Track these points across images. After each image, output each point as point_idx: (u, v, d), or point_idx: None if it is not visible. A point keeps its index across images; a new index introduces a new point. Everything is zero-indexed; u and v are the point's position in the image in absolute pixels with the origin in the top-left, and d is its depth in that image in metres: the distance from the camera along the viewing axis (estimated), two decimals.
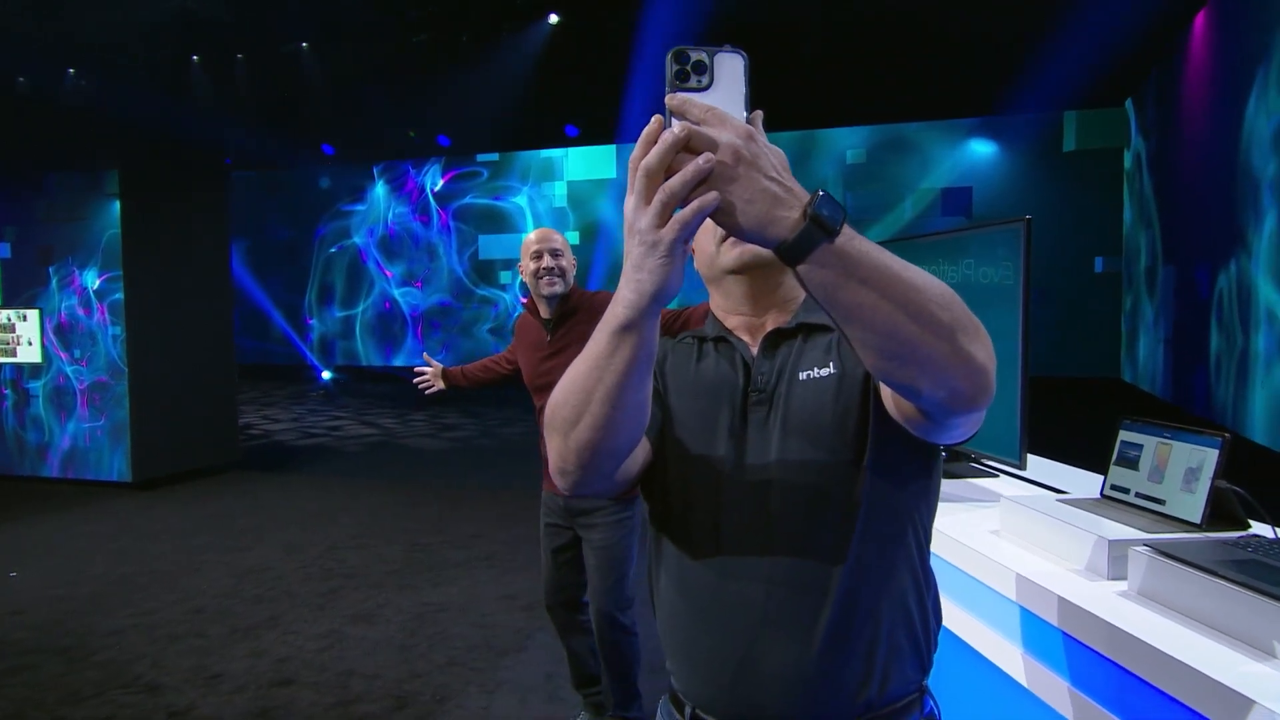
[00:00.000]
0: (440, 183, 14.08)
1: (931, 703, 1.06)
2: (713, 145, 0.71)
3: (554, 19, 9.70)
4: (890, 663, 0.99)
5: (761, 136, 0.73)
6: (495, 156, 13.74)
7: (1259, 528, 1.35)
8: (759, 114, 0.78)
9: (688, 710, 1.06)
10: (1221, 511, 1.33)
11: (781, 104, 11.58)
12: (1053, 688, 1.34)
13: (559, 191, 13.53)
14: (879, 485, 0.98)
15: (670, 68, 0.75)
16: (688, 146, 0.72)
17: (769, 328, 1.07)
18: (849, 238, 0.73)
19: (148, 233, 6.82)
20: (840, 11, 9.14)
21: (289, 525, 5.51)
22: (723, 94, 0.74)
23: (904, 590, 1.01)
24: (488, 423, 10.04)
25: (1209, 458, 1.33)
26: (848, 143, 12.55)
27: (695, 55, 0.75)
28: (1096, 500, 1.55)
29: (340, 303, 14.87)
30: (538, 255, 2.64)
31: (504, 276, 13.75)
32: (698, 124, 0.72)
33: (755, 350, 1.06)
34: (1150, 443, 1.46)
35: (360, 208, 14.59)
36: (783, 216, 0.72)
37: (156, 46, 9.38)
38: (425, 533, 5.24)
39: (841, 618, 0.97)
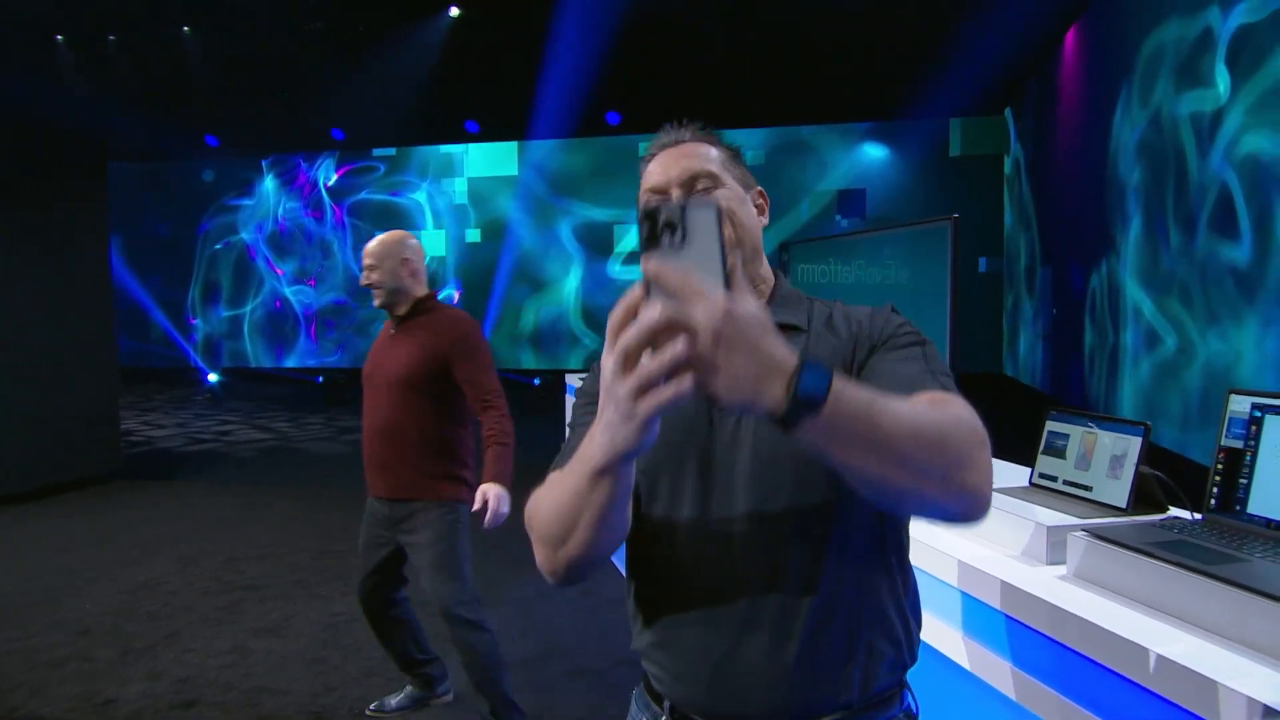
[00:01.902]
0: (334, 177, 13.59)
1: (910, 698, 1.09)
2: (691, 328, 0.70)
3: (455, 11, 9.50)
4: (870, 662, 1.01)
5: (742, 305, 0.71)
6: (392, 151, 13.37)
7: (1175, 510, 1.44)
8: (736, 272, 0.76)
9: (666, 704, 1.05)
10: (1143, 496, 1.42)
11: (684, 104, 11.73)
12: (995, 668, 1.41)
13: (459, 188, 13.28)
14: (853, 494, 0.93)
15: (641, 228, 0.75)
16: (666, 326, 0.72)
17: None
18: (836, 403, 0.73)
19: (13, 225, 6.31)
20: (743, 15, 9.31)
21: (181, 537, 5.21)
22: (698, 249, 0.73)
23: (883, 590, 1.03)
24: None
25: (1133, 445, 1.42)
26: (748, 144, 12.77)
27: (665, 214, 0.74)
28: (1026, 488, 1.62)
29: (227, 302, 14.16)
30: (362, 270, 2.75)
31: None
32: (674, 292, 0.71)
33: None
34: (1076, 432, 1.55)
35: (248, 202, 13.93)
36: (767, 393, 0.72)
37: (16, 23, 8.69)
38: (332, 539, 5.05)
39: (820, 619, 0.98)
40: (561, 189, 12.90)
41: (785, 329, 1.06)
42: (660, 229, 0.74)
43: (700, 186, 1.07)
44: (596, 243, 12.89)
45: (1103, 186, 7.62)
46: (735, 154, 1.15)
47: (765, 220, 1.14)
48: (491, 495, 2.59)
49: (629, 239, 12.95)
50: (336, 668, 3.32)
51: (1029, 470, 1.67)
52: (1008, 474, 2.06)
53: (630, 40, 9.32)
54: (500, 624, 3.69)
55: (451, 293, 13.22)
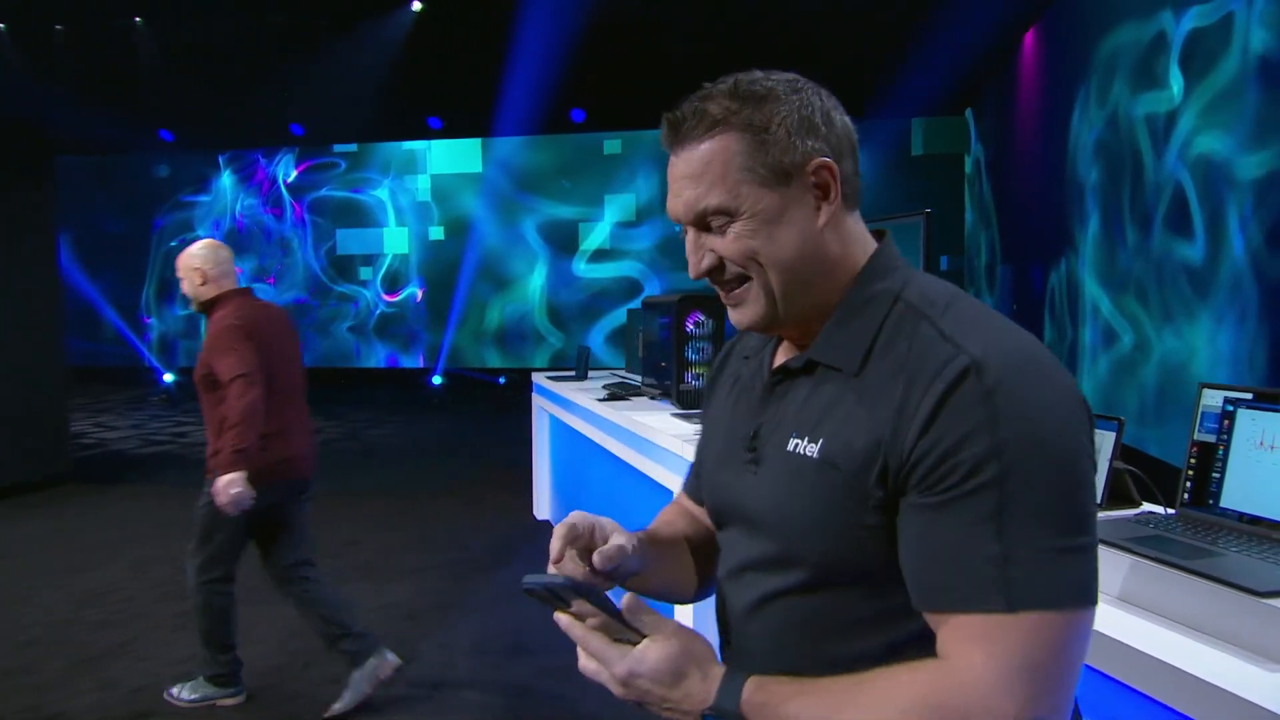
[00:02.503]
0: (294, 174, 13.35)
1: None
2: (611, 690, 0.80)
3: (417, 6, 9.39)
4: None
5: (639, 664, 0.77)
6: (354, 148, 13.16)
7: (1148, 505, 1.45)
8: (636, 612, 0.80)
9: None
10: (1117, 491, 1.43)
11: (649, 103, 11.72)
12: None
13: (422, 185, 13.12)
14: (858, 603, 0.81)
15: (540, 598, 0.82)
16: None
17: (786, 355, 0.90)
18: None
19: None
20: (708, 13, 9.32)
21: (136, 541, 5.06)
22: (581, 607, 0.80)
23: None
24: (352, 424, 9.62)
25: (1107, 440, 1.42)
26: None
27: (538, 595, 0.81)
28: None
29: (183, 300, 13.85)
30: None
31: (364, 273, 13.21)
32: (584, 646, 0.81)
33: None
34: None
35: (204, 199, 13.63)
36: None
37: None
38: None
39: None
40: (526, 186, 12.82)
41: (829, 370, 0.84)
42: (544, 600, 0.82)
43: (715, 225, 0.84)
44: (562, 240, 12.82)
45: (1062, 186, 7.74)
46: (767, 132, 0.82)
47: (835, 203, 0.84)
48: (218, 483, 2.75)
49: (594, 236, 12.91)
50: (299, 674, 3.24)
51: None
52: None
53: (595, 37, 9.28)
54: (466, 627, 3.64)
55: (415, 290, 13.08)
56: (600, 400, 3.70)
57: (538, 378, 5.09)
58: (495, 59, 10.02)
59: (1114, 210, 6.56)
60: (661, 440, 2.82)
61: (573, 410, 4.13)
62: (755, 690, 0.76)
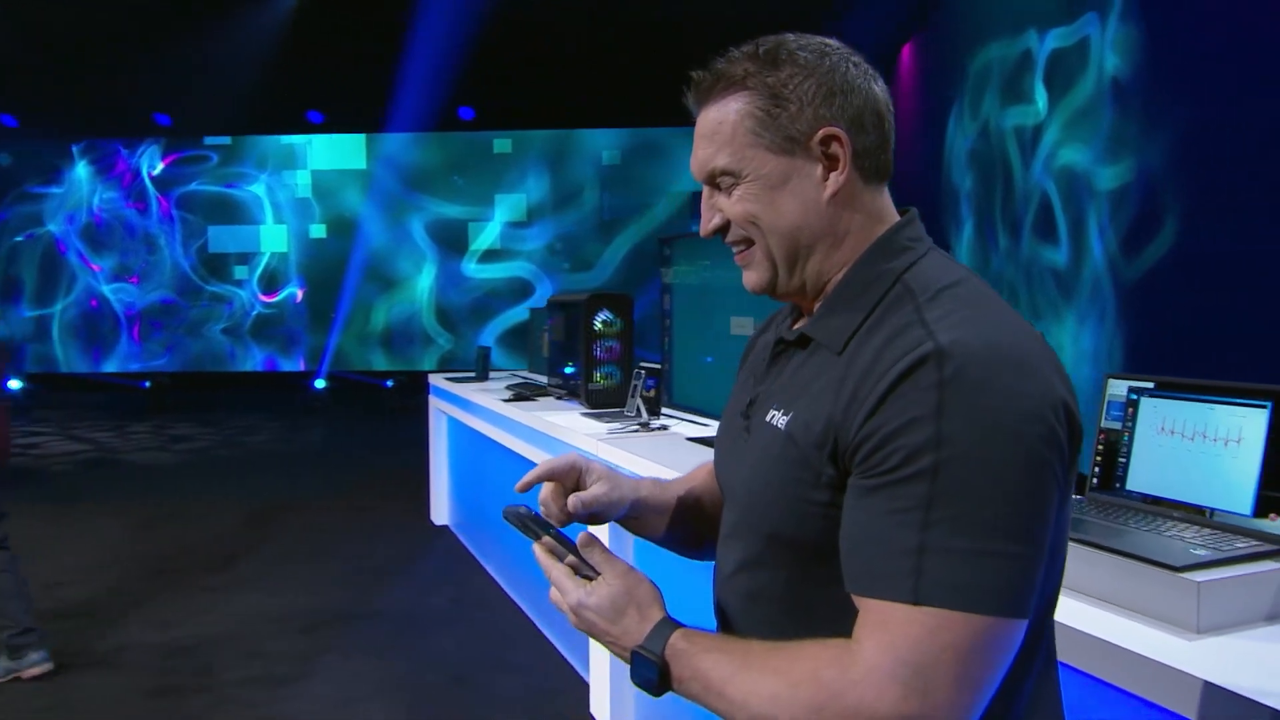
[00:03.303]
0: (160, 166, 12.54)
1: None
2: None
3: None
4: None
5: (590, 596, 0.85)
6: (227, 140, 12.48)
7: None
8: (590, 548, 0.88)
9: None
10: None
11: (540, 102, 11.64)
12: None
13: (302, 181, 12.58)
14: (815, 575, 0.81)
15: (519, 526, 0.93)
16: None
17: (797, 324, 0.89)
18: (681, 681, 0.80)
19: None
20: (601, 15, 9.33)
21: None
22: (550, 541, 0.90)
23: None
24: (226, 430, 9.11)
25: None
26: (604, 144, 12.85)
27: (514, 522, 0.92)
28: None
29: (32, 300, 12.79)
30: None
31: (239, 272, 12.54)
32: (547, 573, 0.89)
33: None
34: None
35: (56, 190, 12.61)
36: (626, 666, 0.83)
37: None
38: (170, 557, 4.63)
39: None
40: (414, 184, 12.49)
41: (819, 348, 0.83)
42: (523, 531, 0.92)
43: (723, 186, 0.86)
44: (451, 240, 12.56)
45: (938, 192, 8.15)
46: (780, 97, 0.81)
47: (844, 174, 0.82)
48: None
49: (485, 236, 12.72)
50: (184, 699, 3.04)
51: None
52: None
53: (485, 34, 9.14)
54: (369, 635, 3.50)
55: (295, 290, 12.52)
56: (505, 401, 3.64)
57: (435, 379, 4.97)
58: (381, 52, 9.72)
59: (987, 216, 6.97)
60: (573, 440, 2.79)
61: (475, 412, 4.04)
62: (680, 638, 0.81)
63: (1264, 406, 1.18)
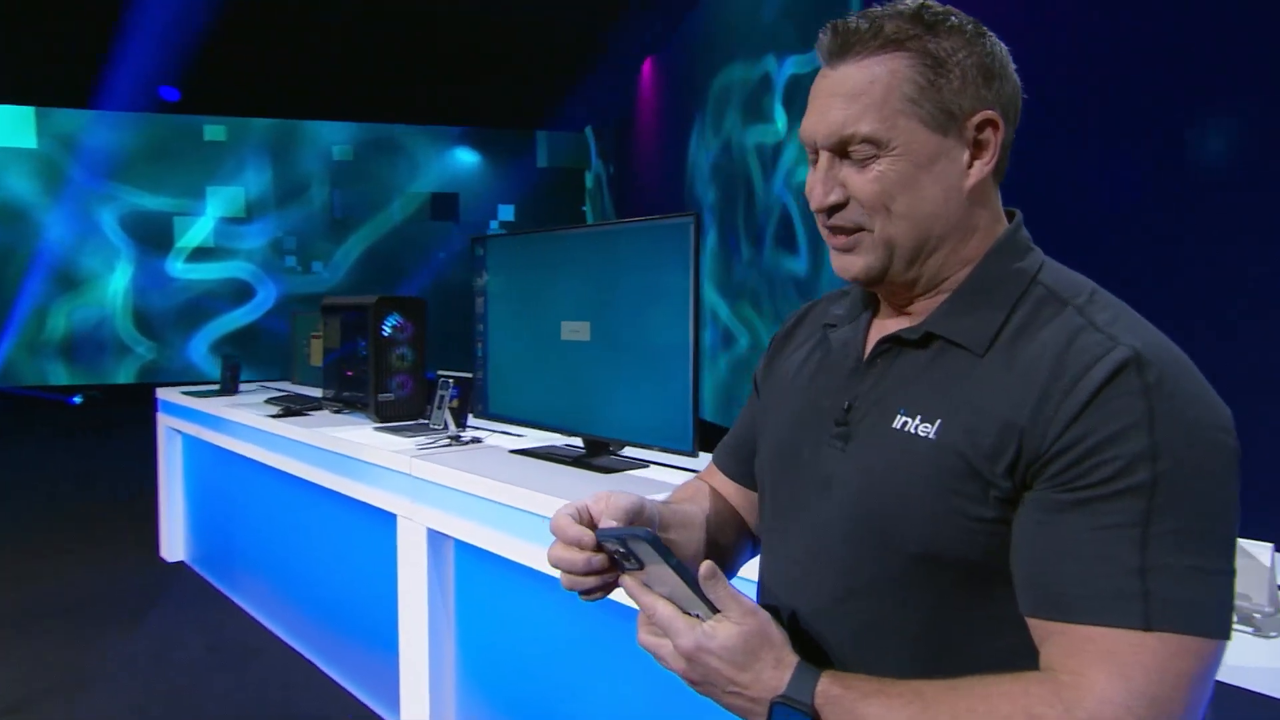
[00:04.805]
0: None
1: None
2: (668, 665, 0.76)
3: None
4: None
5: (710, 639, 0.72)
6: None
7: None
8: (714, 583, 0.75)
9: None
10: None
11: (260, 88, 10.61)
12: None
13: None
14: (958, 600, 0.74)
15: (607, 552, 0.80)
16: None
17: (894, 328, 0.81)
18: None
19: None
20: (334, 4, 8.71)
21: None
22: (657, 573, 0.75)
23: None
24: None
25: None
26: (334, 138, 12.03)
27: (611, 547, 0.78)
28: None
29: None
30: None
31: None
32: (650, 613, 0.76)
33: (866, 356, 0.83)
34: None
35: None
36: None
37: None
38: None
39: None
40: (104, 171, 10.83)
41: (949, 345, 0.77)
42: (615, 557, 0.78)
43: (856, 156, 0.76)
44: (151, 236, 11.06)
45: (682, 204, 8.56)
46: (944, 66, 0.74)
47: (990, 164, 0.76)
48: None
49: (195, 232, 11.37)
50: None
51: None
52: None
53: (197, 8, 8.14)
54: (110, 705, 2.92)
55: None
56: (273, 418, 3.23)
57: (167, 394, 4.30)
58: (65, 17, 8.31)
59: (730, 227, 7.43)
60: (377, 458, 2.53)
61: (230, 431, 3.55)
62: (831, 682, 0.71)
63: None
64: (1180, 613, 0.62)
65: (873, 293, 0.86)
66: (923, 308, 0.81)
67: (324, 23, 9.01)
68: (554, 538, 0.82)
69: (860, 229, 0.78)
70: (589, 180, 12.88)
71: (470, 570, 2.38)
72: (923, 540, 0.73)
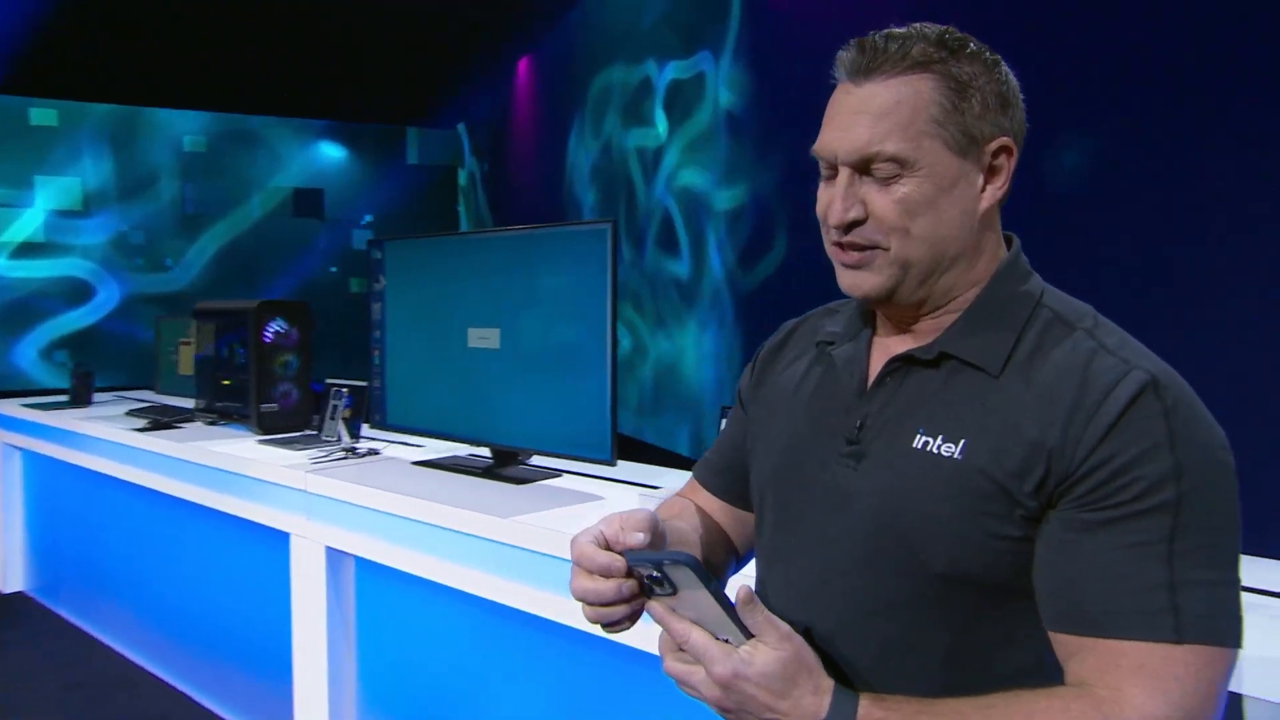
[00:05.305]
0: None
1: None
2: (699, 694, 0.74)
3: None
4: None
5: (748, 665, 0.71)
6: None
7: None
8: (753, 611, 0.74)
9: None
10: None
11: (98, 71, 9.80)
12: None
13: None
14: (980, 616, 0.75)
15: (636, 577, 0.77)
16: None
17: (901, 349, 0.82)
18: None
19: None
20: None
21: None
22: (690, 598, 0.73)
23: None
24: None
25: None
26: (185, 128, 11.26)
27: (643, 573, 0.75)
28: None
29: None
30: None
31: None
32: (682, 640, 0.74)
33: (873, 378, 0.83)
34: None
35: None
36: None
37: None
38: None
39: None
40: None
41: (962, 365, 0.78)
42: (645, 582, 0.75)
43: (879, 175, 0.76)
44: None
45: (561, 205, 8.51)
46: (966, 91, 0.76)
47: (1002, 189, 0.79)
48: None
49: (21, 226, 10.38)
50: None
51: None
52: (657, 477, 2.16)
53: None
54: None
55: None
56: (139, 431, 2.98)
57: (7, 406, 3.90)
58: None
59: None
60: (265, 474, 2.38)
61: (86, 446, 3.25)
62: (873, 705, 0.71)
63: None
64: (1206, 625, 0.65)
65: (870, 309, 0.87)
66: (928, 327, 0.82)
67: (172, 2, 8.41)
68: (572, 570, 0.80)
69: (875, 247, 0.78)
70: (462, 178, 12.61)
71: (372, 589, 2.27)
72: (949, 559, 0.74)
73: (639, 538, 0.77)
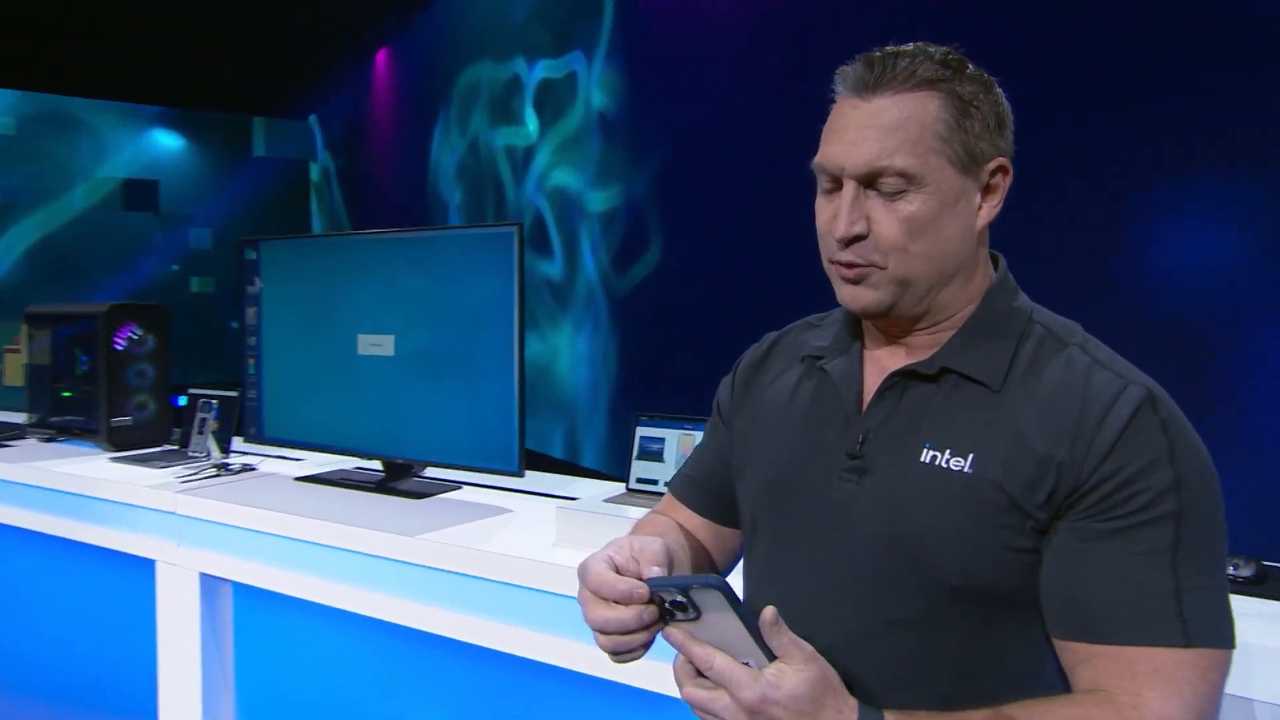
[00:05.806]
0: None
1: None
2: (718, 717, 0.72)
3: None
4: None
5: (775, 689, 0.70)
6: None
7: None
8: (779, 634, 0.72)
9: None
10: None
11: None
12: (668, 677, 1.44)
13: None
14: (990, 627, 0.77)
15: (657, 603, 0.75)
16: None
17: (896, 363, 0.83)
18: None
19: None
20: None
21: None
22: (713, 622, 0.72)
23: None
24: None
25: None
26: None
27: (668, 597, 0.73)
28: (628, 494, 1.69)
29: None
30: None
31: None
32: (705, 666, 0.72)
33: (869, 393, 0.83)
34: (673, 435, 1.68)
35: None
36: None
37: None
38: None
39: None
40: None
41: (963, 380, 0.79)
42: (666, 607, 0.73)
43: (885, 189, 0.77)
44: None
45: (424, 203, 8.25)
46: (970, 104, 0.77)
47: (997, 208, 0.81)
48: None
49: None
50: None
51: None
52: (552, 485, 2.11)
53: None
54: None
55: None
56: None
57: None
58: None
59: None
60: (126, 495, 2.15)
61: None
62: None
63: None
64: (1209, 628, 0.69)
65: (857, 322, 0.87)
66: (922, 342, 0.83)
67: None
68: (584, 598, 0.77)
69: (872, 265, 0.79)
70: (315, 173, 12.00)
71: (252, 616, 2.10)
72: (962, 572, 0.75)
73: (656, 571, 0.76)
